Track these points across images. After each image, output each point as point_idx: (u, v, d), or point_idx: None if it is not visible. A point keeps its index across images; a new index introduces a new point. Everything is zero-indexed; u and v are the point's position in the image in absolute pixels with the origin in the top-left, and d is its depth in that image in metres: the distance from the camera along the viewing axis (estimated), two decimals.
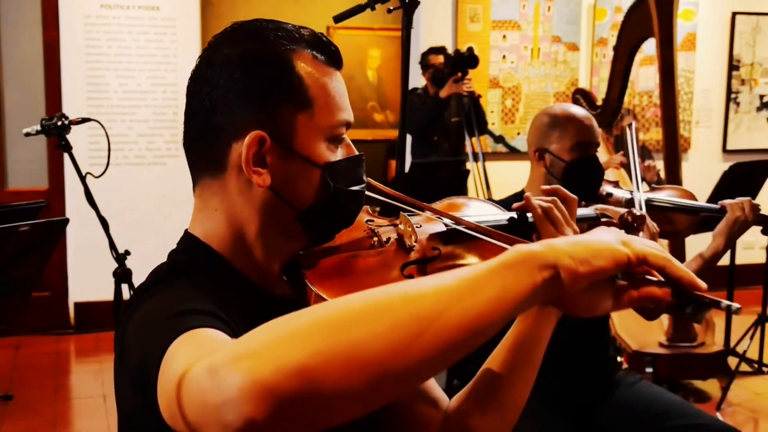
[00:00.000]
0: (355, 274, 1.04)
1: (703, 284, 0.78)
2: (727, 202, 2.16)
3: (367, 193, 1.13)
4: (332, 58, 1.03)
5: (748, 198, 2.16)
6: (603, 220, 1.37)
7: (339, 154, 1.03)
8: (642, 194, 2.22)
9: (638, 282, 0.79)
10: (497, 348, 1.16)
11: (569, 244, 0.74)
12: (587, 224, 1.33)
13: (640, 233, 1.40)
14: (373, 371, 0.63)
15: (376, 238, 1.10)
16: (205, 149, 1.01)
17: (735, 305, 0.78)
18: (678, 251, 3.86)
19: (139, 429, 0.90)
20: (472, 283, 0.68)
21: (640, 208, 2.16)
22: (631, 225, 1.40)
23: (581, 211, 1.31)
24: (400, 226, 1.13)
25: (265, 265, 1.03)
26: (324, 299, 0.95)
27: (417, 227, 1.14)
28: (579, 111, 2.20)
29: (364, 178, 1.07)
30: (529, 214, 1.24)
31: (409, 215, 1.14)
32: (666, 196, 2.28)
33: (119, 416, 0.97)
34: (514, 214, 1.19)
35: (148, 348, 0.81)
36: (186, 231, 1.06)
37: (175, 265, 1.01)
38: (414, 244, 1.10)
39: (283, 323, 0.66)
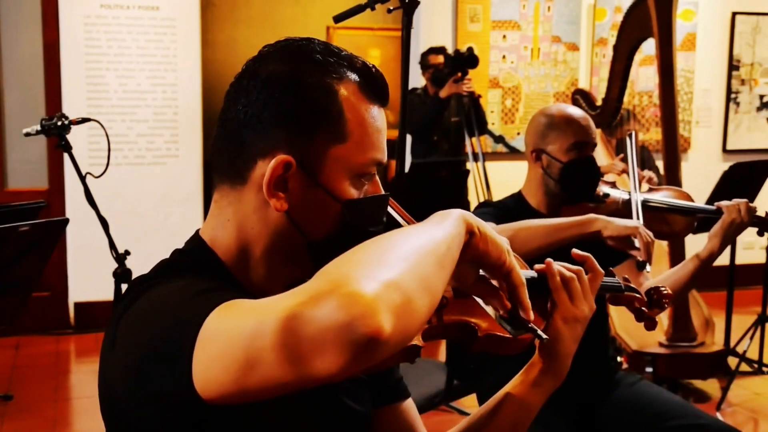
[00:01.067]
0: None
1: (531, 316, 1.00)
2: (723, 203, 2.16)
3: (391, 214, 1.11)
4: (379, 93, 1.01)
5: (745, 200, 2.16)
6: (626, 294, 1.31)
7: (364, 192, 1.00)
8: (639, 194, 2.22)
9: (492, 285, 1.00)
10: (485, 405, 1.16)
11: (483, 225, 0.94)
12: (610, 294, 1.28)
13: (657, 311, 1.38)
14: (431, 287, 0.78)
15: None
16: (230, 158, 0.99)
17: (545, 336, 1.02)
18: (677, 252, 3.86)
19: (130, 413, 0.89)
20: (450, 232, 0.87)
21: (638, 216, 2.14)
22: (655, 302, 1.36)
23: (607, 280, 1.26)
24: None
25: (266, 287, 1.02)
26: None
27: None
28: (576, 111, 2.20)
29: (384, 219, 1.05)
30: None
31: None
32: (662, 197, 2.28)
33: (105, 404, 0.96)
34: (534, 274, 1.11)
35: (172, 325, 0.81)
36: (197, 232, 1.05)
37: (177, 264, 1.01)
38: None
39: (355, 256, 0.77)
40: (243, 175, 0.98)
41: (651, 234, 1.83)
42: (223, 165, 1.01)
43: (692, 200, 2.32)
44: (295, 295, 0.72)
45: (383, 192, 1.03)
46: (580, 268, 1.12)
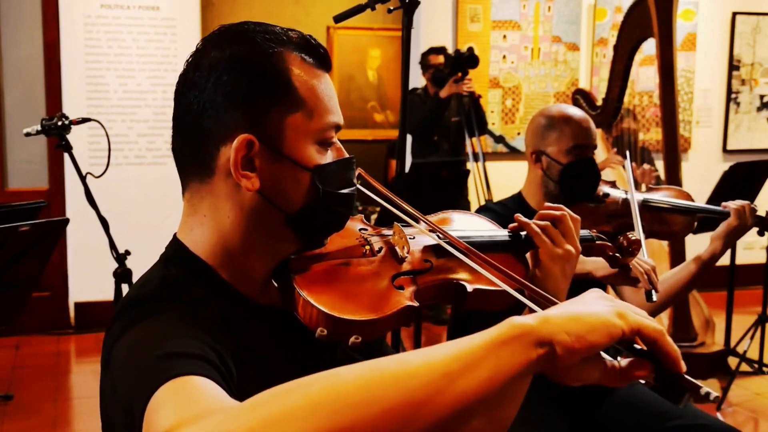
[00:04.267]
0: (344, 282, 1.02)
1: (684, 366, 0.76)
2: (730, 205, 2.15)
3: (366, 192, 1.12)
4: (321, 60, 1.03)
5: (747, 202, 2.16)
6: (597, 243, 1.36)
7: (329, 157, 1.02)
8: (638, 194, 2.21)
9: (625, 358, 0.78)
10: None
11: (565, 319, 0.71)
12: (583, 245, 1.33)
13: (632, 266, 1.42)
14: None
15: (368, 247, 1.09)
16: (193, 153, 1.00)
17: (713, 393, 0.76)
18: (677, 252, 3.86)
19: None
20: (465, 360, 0.64)
21: (637, 217, 2.13)
22: (626, 249, 1.38)
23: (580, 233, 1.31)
24: (393, 236, 1.11)
25: (252, 273, 1.02)
26: (312, 304, 0.94)
27: (411, 238, 1.12)
28: (576, 113, 2.18)
29: (355, 181, 1.06)
30: (523, 232, 1.25)
31: (403, 226, 1.13)
32: (662, 196, 2.27)
33: (102, 418, 0.96)
34: (505, 232, 1.21)
35: (134, 388, 0.80)
36: (175, 236, 1.05)
37: (166, 281, 0.99)
38: (406, 255, 1.09)
39: (274, 402, 0.62)
40: (209, 165, 0.99)
41: (648, 261, 1.80)
42: (187, 162, 1.02)
43: (692, 200, 2.32)
44: (201, 420, 0.65)
45: (348, 155, 1.05)
46: (553, 216, 1.22)
